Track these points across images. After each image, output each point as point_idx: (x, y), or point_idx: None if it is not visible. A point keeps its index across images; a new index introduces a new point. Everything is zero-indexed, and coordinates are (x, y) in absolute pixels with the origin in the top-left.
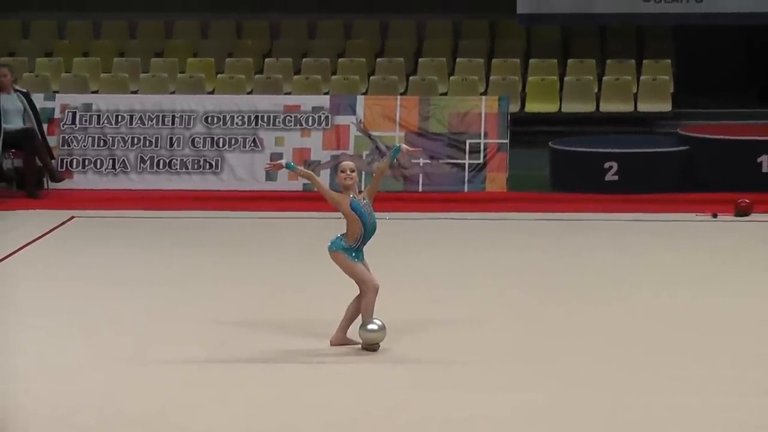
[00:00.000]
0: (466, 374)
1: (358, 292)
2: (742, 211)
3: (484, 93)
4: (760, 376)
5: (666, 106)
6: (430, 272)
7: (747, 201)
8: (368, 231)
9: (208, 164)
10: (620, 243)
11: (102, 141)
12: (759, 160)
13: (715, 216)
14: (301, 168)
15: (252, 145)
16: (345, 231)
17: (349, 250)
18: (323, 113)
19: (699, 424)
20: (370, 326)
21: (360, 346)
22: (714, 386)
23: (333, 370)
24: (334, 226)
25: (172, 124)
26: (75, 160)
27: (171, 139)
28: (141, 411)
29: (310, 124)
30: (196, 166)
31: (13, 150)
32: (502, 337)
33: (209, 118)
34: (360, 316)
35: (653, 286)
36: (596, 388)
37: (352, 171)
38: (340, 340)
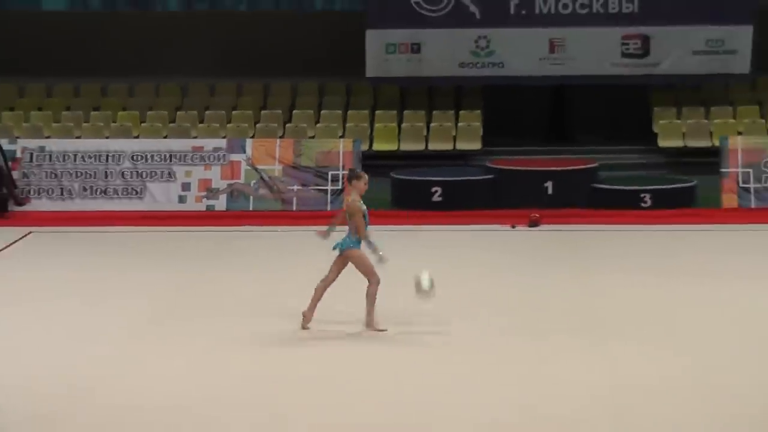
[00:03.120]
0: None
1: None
2: (533, 223)
3: (342, 136)
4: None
5: (477, 145)
6: (293, 276)
7: (537, 215)
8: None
9: (134, 191)
10: (442, 245)
11: (53, 174)
12: (545, 184)
13: (513, 227)
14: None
15: (167, 176)
16: (348, 232)
17: (359, 242)
18: (221, 152)
19: None
20: (425, 284)
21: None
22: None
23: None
24: (232, 238)
25: (107, 161)
26: (32, 189)
27: (106, 172)
28: None
29: (211, 160)
30: (125, 193)
31: None
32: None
33: (135, 157)
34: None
35: (472, 278)
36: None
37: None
38: (371, 323)
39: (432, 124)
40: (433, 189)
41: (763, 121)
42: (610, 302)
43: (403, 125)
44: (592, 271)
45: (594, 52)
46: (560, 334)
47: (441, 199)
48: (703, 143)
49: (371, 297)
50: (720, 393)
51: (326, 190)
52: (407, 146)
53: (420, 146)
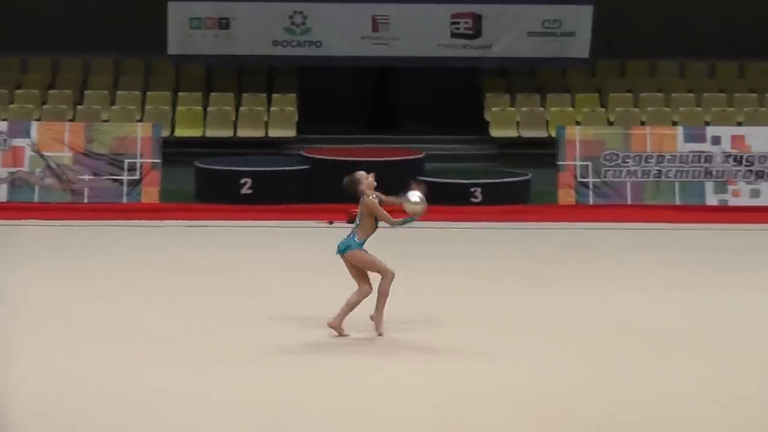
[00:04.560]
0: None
1: (357, 288)
2: (352, 219)
3: (141, 120)
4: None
5: (292, 132)
6: (90, 277)
7: (356, 211)
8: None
9: None
10: (250, 244)
11: None
12: None
13: (331, 223)
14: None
15: None
16: (353, 231)
17: (362, 243)
18: (2, 137)
19: None
20: (414, 199)
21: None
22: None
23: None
24: (13, 232)
25: None
26: None
27: None
28: None
29: None
30: None
31: None
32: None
33: None
34: (350, 310)
35: (285, 283)
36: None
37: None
38: (337, 325)
39: (241, 108)
40: (242, 180)
41: (603, 110)
42: (433, 309)
43: (209, 109)
44: (414, 273)
45: (421, 32)
46: (379, 345)
47: (251, 192)
48: (539, 133)
49: (384, 294)
50: (553, 404)
51: (122, 180)
52: (213, 132)
53: (228, 132)
